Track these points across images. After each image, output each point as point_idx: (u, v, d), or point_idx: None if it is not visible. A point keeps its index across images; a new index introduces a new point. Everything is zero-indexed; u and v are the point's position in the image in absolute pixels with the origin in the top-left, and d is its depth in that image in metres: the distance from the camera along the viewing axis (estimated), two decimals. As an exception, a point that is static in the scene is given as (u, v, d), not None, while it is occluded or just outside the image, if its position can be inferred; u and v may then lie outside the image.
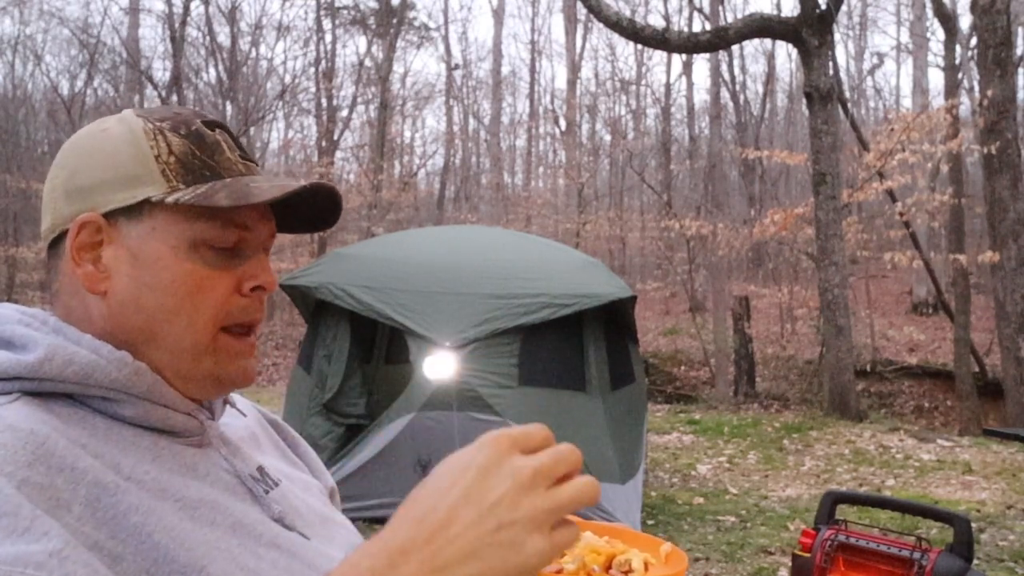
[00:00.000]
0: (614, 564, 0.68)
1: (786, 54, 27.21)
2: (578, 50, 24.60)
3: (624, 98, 27.02)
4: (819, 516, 2.04)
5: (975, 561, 1.89)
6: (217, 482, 0.70)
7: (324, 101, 21.49)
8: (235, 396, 0.93)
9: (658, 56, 24.76)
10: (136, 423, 0.69)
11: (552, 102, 28.53)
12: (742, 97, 23.89)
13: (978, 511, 5.40)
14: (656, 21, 22.13)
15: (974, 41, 12.68)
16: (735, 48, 20.55)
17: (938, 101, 17.30)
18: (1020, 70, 11.89)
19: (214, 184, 0.72)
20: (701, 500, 5.68)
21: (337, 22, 23.09)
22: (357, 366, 5.11)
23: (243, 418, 0.87)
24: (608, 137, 25.61)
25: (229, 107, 18.37)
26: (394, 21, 22.04)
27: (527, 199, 22.99)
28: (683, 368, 15.34)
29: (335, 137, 21.22)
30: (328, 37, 22.20)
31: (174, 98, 17.59)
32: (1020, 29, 15.90)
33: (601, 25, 12.50)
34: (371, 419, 4.91)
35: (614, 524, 0.80)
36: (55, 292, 0.74)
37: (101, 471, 0.62)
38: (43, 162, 20.60)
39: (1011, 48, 9.84)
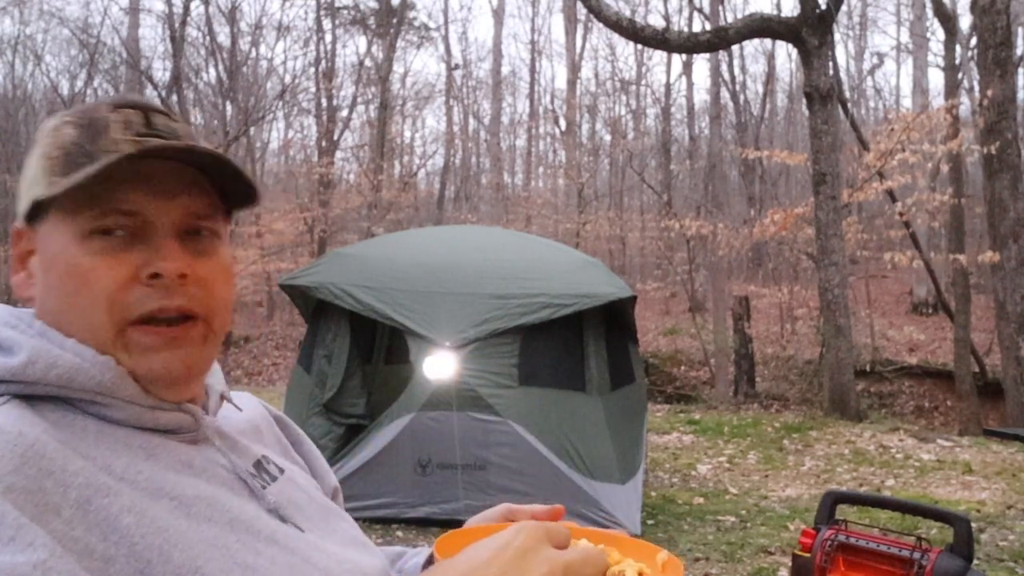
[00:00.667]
0: (608, 575, 0.69)
1: (786, 54, 27.23)
2: (578, 50, 24.61)
3: (624, 98, 27.04)
4: (819, 516, 2.04)
5: (975, 561, 1.89)
6: (214, 478, 0.70)
7: (324, 101, 21.50)
8: (236, 393, 0.91)
9: (658, 56, 24.79)
10: (128, 424, 0.68)
11: (552, 102, 28.56)
12: (742, 97, 23.90)
13: (978, 511, 5.40)
14: (656, 21, 22.14)
15: (974, 41, 12.69)
16: (735, 48, 20.56)
17: (938, 101, 17.31)
18: (1020, 70, 11.89)
19: (87, 169, 0.67)
20: (701, 500, 5.68)
21: (337, 22, 23.10)
22: (357, 366, 5.11)
23: (241, 412, 0.86)
24: (608, 137, 25.62)
25: (229, 107, 18.37)
26: (394, 21, 22.04)
27: (527, 199, 23.00)
28: (683, 368, 15.34)
29: (335, 137, 21.22)
30: (328, 37, 22.22)
31: (174, 98, 17.60)
32: (1020, 29, 15.91)
33: (601, 25, 12.50)
34: (371, 419, 4.91)
35: (610, 531, 0.79)
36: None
37: (92, 473, 0.61)
38: (43, 162, 20.56)
39: (1011, 48, 9.84)
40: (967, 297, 12.53)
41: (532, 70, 29.29)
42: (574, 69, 23.94)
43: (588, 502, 4.51)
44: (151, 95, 18.83)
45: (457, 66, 27.60)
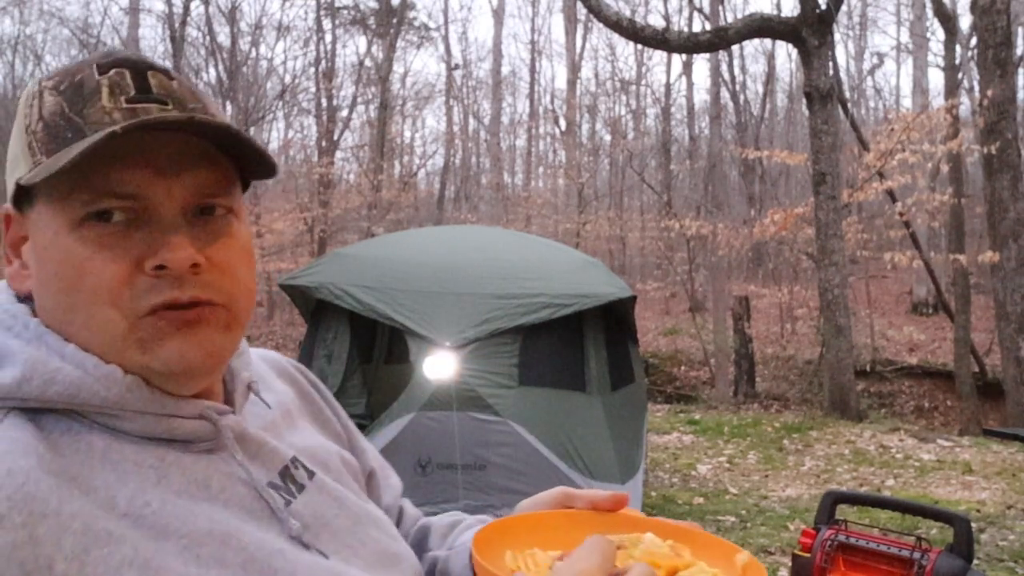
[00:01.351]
0: None
1: (786, 54, 27.25)
2: (578, 50, 24.62)
3: (624, 98, 27.04)
4: (819, 516, 2.04)
5: (975, 561, 1.89)
6: (231, 500, 0.63)
7: (324, 101, 21.50)
8: (266, 353, 0.83)
9: (658, 56, 24.79)
10: (140, 435, 0.62)
11: (552, 102, 28.57)
12: (742, 97, 23.91)
13: (978, 511, 5.40)
14: (656, 21, 22.14)
15: (974, 41, 12.69)
16: (735, 48, 20.55)
17: (938, 101, 17.31)
18: (1020, 70, 11.89)
19: (72, 147, 0.59)
20: (701, 500, 5.68)
21: (337, 22, 23.10)
22: (357, 366, 5.11)
23: (275, 394, 0.79)
24: (608, 137, 25.62)
25: (229, 107, 18.37)
26: (394, 21, 22.04)
27: (527, 199, 22.99)
28: (683, 368, 15.35)
29: (335, 137, 21.22)
30: (328, 37, 22.22)
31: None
32: (1020, 29, 15.91)
33: (601, 25, 12.50)
34: (371, 419, 4.91)
35: (682, 525, 0.69)
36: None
37: (92, 515, 0.55)
38: (43, 162, 20.59)
39: (1011, 48, 9.84)
40: (967, 297, 12.53)
41: (532, 70, 29.33)
42: (574, 69, 23.95)
43: (588, 502, 4.51)
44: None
45: (457, 66, 27.62)
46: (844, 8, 14.50)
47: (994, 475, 6.53)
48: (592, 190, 21.70)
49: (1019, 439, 6.46)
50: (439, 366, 4.61)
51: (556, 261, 5.41)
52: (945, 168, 14.93)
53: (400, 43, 23.63)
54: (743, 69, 25.17)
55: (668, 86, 24.58)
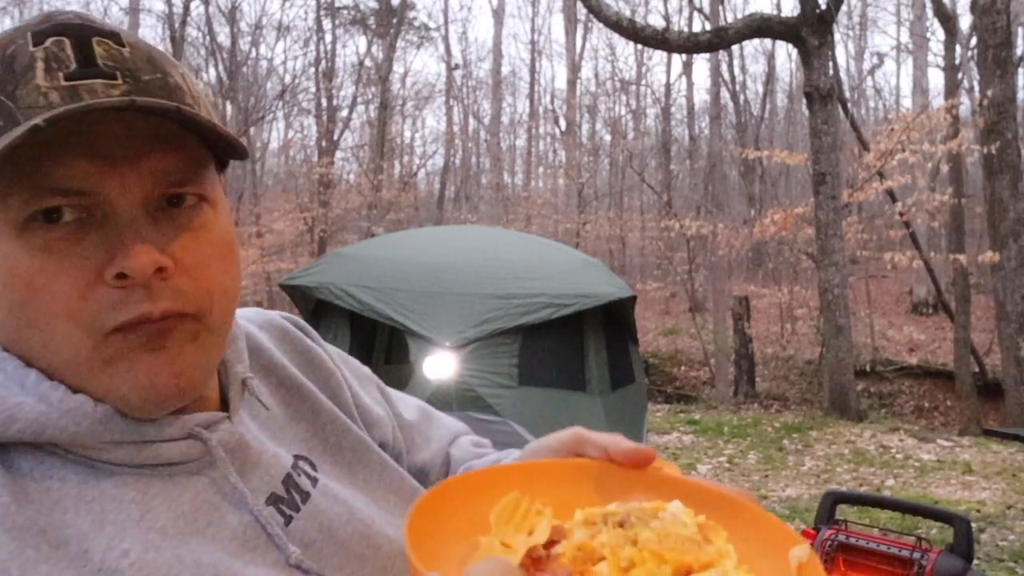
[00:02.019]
0: None
1: (786, 54, 27.25)
2: (578, 50, 24.62)
3: (624, 98, 27.03)
4: (819, 516, 2.04)
5: (975, 561, 1.89)
6: (221, 532, 0.56)
7: (324, 101, 21.50)
8: (265, 342, 0.72)
9: (658, 56, 24.79)
10: (120, 465, 0.54)
11: (552, 102, 28.57)
12: (742, 97, 23.90)
13: (978, 511, 5.40)
14: (656, 21, 22.14)
15: (974, 41, 12.68)
16: (735, 48, 20.55)
17: (938, 101, 17.31)
18: (1020, 70, 11.89)
19: (3, 136, 0.50)
20: (701, 500, 5.68)
21: (337, 22, 23.10)
22: (357, 366, 5.11)
23: (276, 375, 0.71)
24: (608, 137, 25.63)
25: (229, 107, 18.37)
26: (394, 21, 22.05)
27: (527, 199, 23.00)
28: (683, 368, 15.35)
29: (335, 137, 21.22)
30: (328, 37, 22.22)
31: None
32: (1020, 29, 15.90)
33: (601, 25, 12.50)
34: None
35: (730, 492, 0.54)
36: None
37: None
38: (43, 162, 20.59)
39: (1011, 48, 9.84)
40: (967, 297, 12.53)
41: (532, 70, 29.33)
42: (574, 69, 23.95)
43: (588, 502, 4.52)
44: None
45: (457, 66, 27.63)
46: (844, 8, 14.50)
47: (994, 475, 6.53)
48: (592, 190, 21.71)
49: (1019, 439, 6.46)
50: (439, 366, 4.61)
51: (556, 261, 5.42)
52: (945, 168, 14.93)
53: (400, 43, 23.64)
54: (743, 69, 25.18)
55: (668, 86, 24.59)
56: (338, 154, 22.20)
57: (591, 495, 0.55)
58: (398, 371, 5.93)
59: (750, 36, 10.79)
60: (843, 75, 23.81)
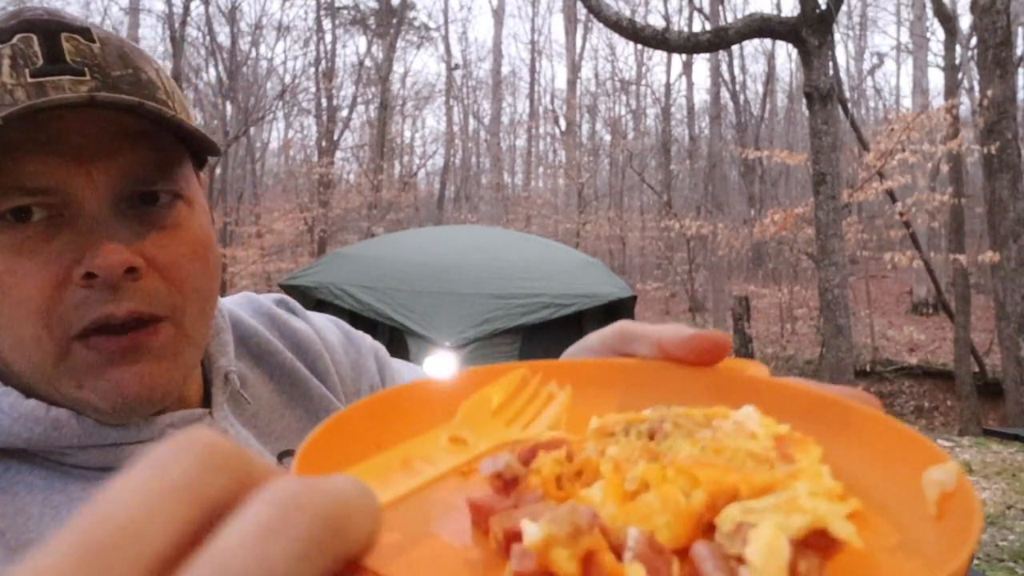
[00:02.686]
0: (721, 523, 0.28)
1: (786, 54, 27.22)
2: (578, 50, 24.62)
3: (624, 98, 27.03)
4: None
5: (975, 561, 1.89)
6: None
7: (324, 101, 21.51)
8: (255, 330, 0.69)
9: (658, 56, 24.79)
10: (89, 468, 0.53)
11: (552, 102, 28.56)
12: (742, 97, 23.90)
13: (978, 511, 5.40)
14: (656, 21, 22.15)
15: (974, 41, 12.69)
16: (735, 48, 20.56)
17: (938, 101, 17.32)
18: (1020, 70, 11.89)
19: None
20: (701, 500, 5.68)
21: (337, 22, 23.10)
22: (357, 366, 5.12)
23: (268, 362, 0.69)
24: (608, 137, 25.63)
25: (229, 107, 18.38)
26: (394, 21, 22.06)
27: (527, 199, 23.01)
28: (683, 368, 15.34)
29: (335, 137, 21.23)
30: (328, 37, 22.22)
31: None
32: (1020, 29, 15.91)
33: (601, 25, 12.50)
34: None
35: (836, 393, 0.38)
36: None
37: None
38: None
39: (1011, 48, 9.84)
40: (967, 297, 12.53)
41: (532, 70, 29.30)
42: (574, 69, 23.95)
43: (588, 502, 4.52)
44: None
45: (457, 66, 27.63)
46: (844, 8, 14.50)
47: (994, 475, 6.53)
48: (592, 190, 21.71)
49: (1019, 439, 6.46)
50: (439, 366, 4.61)
51: (556, 261, 5.42)
52: (945, 168, 14.93)
53: (400, 43, 23.65)
54: (743, 69, 25.17)
55: (668, 86, 24.58)
56: (338, 154, 22.21)
57: (634, 406, 0.38)
58: (398, 371, 5.93)
59: (750, 36, 10.79)
60: (843, 75, 23.84)
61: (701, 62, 25.22)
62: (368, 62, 22.87)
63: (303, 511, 0.21)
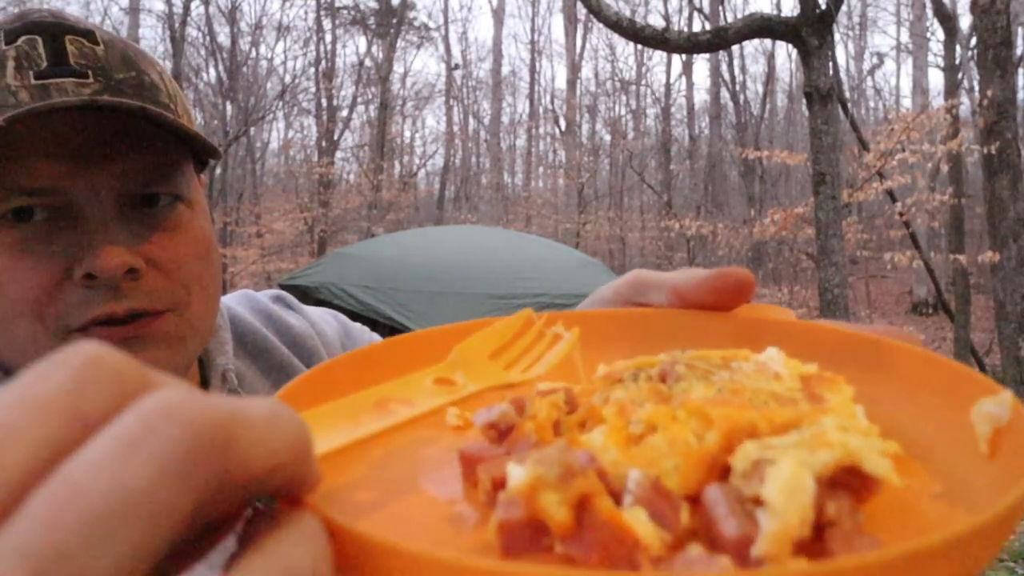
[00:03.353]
0: (736, 462, 0.25)
1: (786, 54, 27.22)
2: (578, 50, 24.62)
3: (624, 98, 27.02)
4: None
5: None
6: None
7: (324, 101, 21.50)
8: (254, 327, 0.70)
9: (658, 56, 24.79)
10: None
11: (552, 102, 28.55)
12: (742, 97, 23.90)
13: (978, 511, 5.41)
14: (656, 21, 22.15)
15: (974, 41, 12.69)
16: (735, 48, 20.56)
17: (938, 101, 17.32)
18: (1020, 70, 11.90)
19: None
20: (701, 500, 5.68)
21: (337, 22, 23.10)
22: (357, 366, 5.12)
23: (265, 359, 0.69)
24: (608, 137, 25.63)
25: (229, 107, 18.38)
26: (394, 21, 22.06)
27: (527, 199, 23.01)
28: (683, 368, 15.34)
29: (335, 137, 21.23)
30: (328, 37, 22.22)
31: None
32: (1020, 29, 15.91)
33: (601, 25, 12.51)
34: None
35: (870, 332, 0.35)
36: None
37: None
38: (43, 162, 20.61)
39: (1011, 48, 9.84)
40: (967, 297, 12.54)
41: (532, 70, 29.29)
42: (574, 69, 23.95)
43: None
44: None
45: (457, 66, 27.62)
46: (844, 8, 14.50)
47: (994, 475, 6.54)
48: (592, 190, 21.71)
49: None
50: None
51: (556, 261, 5.42)
52: (945, 168, 14.93)
53: (400, 43, 23.65)
54: (743, 69, 25.17)
55: (668, 86, 24.58)
56: (338, 154, 22.21)
57: (647, 354, 0.34)
58: (398, 371, 5.94)
59: (750, 36, 10.78)
60: (843, 75, 23.84)
61: (701, 62, 25.24)
62: (368, 62, 22.88)
63: (171, 422, 0.18)
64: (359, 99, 22.98)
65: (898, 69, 40.62)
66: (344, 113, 22.30)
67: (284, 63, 22.88)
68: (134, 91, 0.54)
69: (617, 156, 23.00)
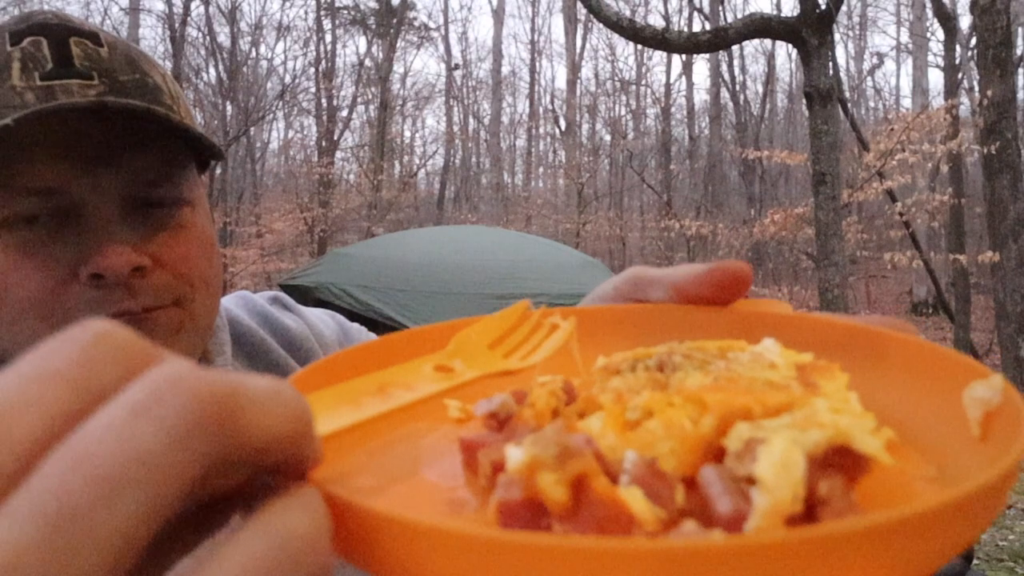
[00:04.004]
0: (729, 444, 0.26)
1: (786, 54, 27.22)
2: (578, 50, 24.62)
3: (624, 98, 27.02)
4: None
5: (975, 561, 1.89)
6: None
7: (324, 101, 21.50)
8: (252, 328, 0.71)
9: (658, 56, 24.79)
10: None
11: (552, 102, 28.55)
12: (742, 97, 23.90)
13: (978, 511, 5.40)
14: (656, 21, 22.16)
15: (974, 41, 12.69)
16: (735, 48, 20.56)
17: (938, 101, 17.32)
18: (1020, 70, 11.90)
19: None
20: (701, 500, 5.68)
21: (337, 22, 23.10)
22: (357, 366, 5.12)
23: (264, 359, 0.71)
24: (608, 137, 25.63)
25: (229, 107, 18.38)
26: (394, 21, 22.06)
27: (527, 199, 23.01)
28: (683, 368, 15.34)
29: (335, 137, 21.23)
30: (328, 37, 22.22)
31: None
32: (1020, 29, 15.91)
33: (601, 25, 12.51)
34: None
35: (866, 323, 0.36)
36: None
37: None
38: (43, 162, 20.60)
39: (1011, 48, 9.85)
40: (967, 297, 12.54)
41: (532, 70, 29.29)
42: (574, 69, 23.95)
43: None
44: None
45: (457, 66, 27.62)
46: (844, 8, 14.50)
47: (994, 475, 6.54)
48: (592, 190, 21.71)
49: (1019, 439, 6.45)
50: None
51: (556, 261, 5.42)
52: (945, 168, 14.93)
53: (400, 43, 23.65)
54: (743, 69, 25.17)
55: (668, 86, 24.58)
56: (338, 154, 22.22)
57: (646, 346, 0.35)
58: (398, 371, 5.94)
59: (750, 36, 10.78)
60: (843, 75, 23.84)
61: (701, 62, 25.24)
62: (368, 62, 22.88)
63: (177, 391, 0.19)
64: (359, 99, 22.99)
65: (898, 69, 40.63)
66: (344, 113, 22.31)
67: (284, 63, 22.90)
68: (138, 93, 0.54)
69: (617, 156, 22.99)
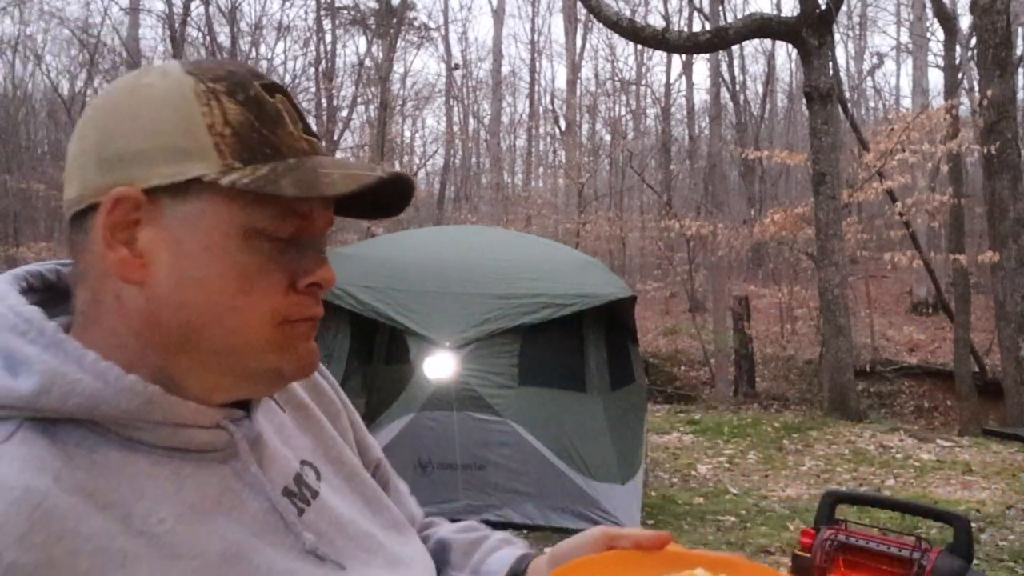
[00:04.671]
0: None
1: (786, 54, 27.22)
2: (578, 50, 24.61)
3: (624, 98, 27.04)
4: (819, 516, 2.04)
5: (975, 561, 1.89)
6: (244, 516, 0.62)
7: (324, 101, 21.51)
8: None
9: (658, 56, 24.79)
10: (156, 446, 0.60)
11: (552, 102, 28.56)
12: (742, 97, 23.92)
13: (978, 511, 5.40)
14: (656, 21, 22.15)
15: (974, 41, 12.69)
16: (735, 48, 20.57)
17: (938, 101, 17.31)
18: (1020, 70, 11.90)
19: (276, 166, 0.60)
20: (701, 500, 5.68)
21: (337, 22, 23.10)
22: (357, 366, 5.11)
23: (287, 390, 0.77)
24: (608, 137, 25.64)
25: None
26: (394, 21, 22.04)
27: (527, 199, 23.01)
28: (683, 368, 15.35)
29: (335, 137, 21.23)
30: (328, 37, 22.23)
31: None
32: (1020, 29, 15.90)
33: (601, 25, 12.51)
34: (371, 419, 4.91)
35: (724, 556, 0.71)
36: (80, 272, 0.62)
37: (108, 534, 0.54)
38: (43, 162, 20.59)
39: (1011, 48, 9.86)
40: (967, 297, 12.54)
41: (532, 70, 29.29)
42: (574, 69, 23.94)
43: (588, 502, 4.51)
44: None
45: (457, 66, 27.63)
46: (844, 8, 14.50)
47: (994, 475, 6.53)
48: (592, 190, 21.71)
49: (1019, 439, 6.45)
50: (439, 366, 4.61)
51: (556, 261, 5.41)
52: (945, 168, 14.93)
53: (400, 43, 23.63)
54: (743, 69, 25.20)
55: (668, 86, 24.60)
56: (338, 154, 22.22)
57: (643, 573, 0.69)
58: (398, 371, 5.92)
59: (750, 36, 10.79)
60: (843, 75, 23.83)
61: (701, 62, 25.20)
62: (368, 62, 22.88)
63: None
64: (359, 99, 23.00)
65: (898, 69, 40.64)
66: (344, 113, 22.32)
67: (284, 63, 22.90)
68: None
69: (617, 156, 23.00)
